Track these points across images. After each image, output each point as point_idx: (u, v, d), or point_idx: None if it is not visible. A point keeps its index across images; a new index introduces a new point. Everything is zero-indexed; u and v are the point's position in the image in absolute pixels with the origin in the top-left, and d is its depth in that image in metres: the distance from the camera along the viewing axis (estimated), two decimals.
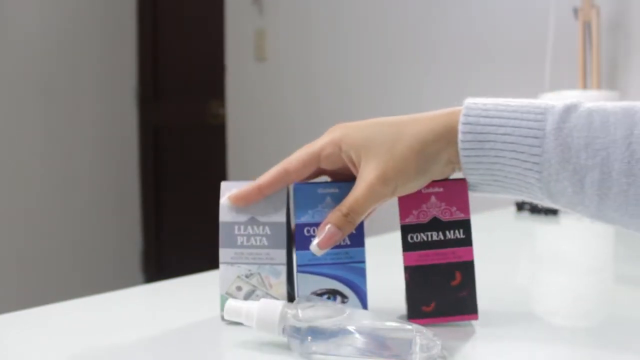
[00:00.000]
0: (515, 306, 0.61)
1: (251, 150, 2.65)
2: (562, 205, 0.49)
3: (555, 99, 0.50)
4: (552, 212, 1.24)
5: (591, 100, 0.50)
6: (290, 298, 0.54)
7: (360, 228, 0.53)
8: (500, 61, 1.89)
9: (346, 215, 0.50)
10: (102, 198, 3.10)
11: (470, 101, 0.51)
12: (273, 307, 0.47)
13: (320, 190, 0.53)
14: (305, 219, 0.52)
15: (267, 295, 0.52)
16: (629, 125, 0.46)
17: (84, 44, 3.01)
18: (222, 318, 0.52)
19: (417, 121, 0.51)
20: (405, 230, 0.52)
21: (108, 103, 3.12)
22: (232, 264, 0.52)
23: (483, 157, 0.49)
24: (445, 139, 0.50)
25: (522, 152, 0.48)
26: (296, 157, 0.53)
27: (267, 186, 0.52)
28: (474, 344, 0.49)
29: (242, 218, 0.52)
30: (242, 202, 0.53)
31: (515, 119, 0.49)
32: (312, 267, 0.52)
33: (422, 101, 2.01)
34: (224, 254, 0.52)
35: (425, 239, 0.52)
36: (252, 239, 0.52)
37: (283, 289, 0.52)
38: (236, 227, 0.52)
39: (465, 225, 0.52)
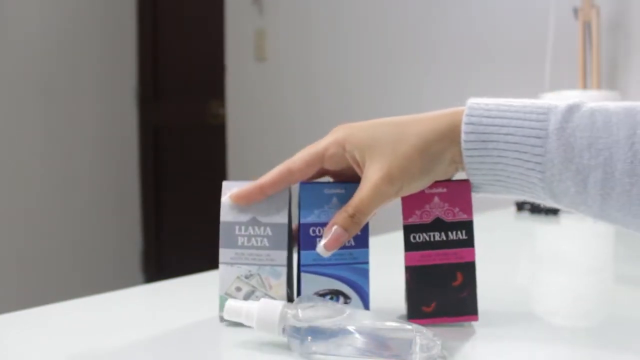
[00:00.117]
0: (515, 306, 0.61)
1: (251, 150, 2.65)
2: (565, 205, 0.49)
3: (557, 99, 0.50)
4: (552, 212, 1.24)
5: (592, 100, 0.50)
6: (290, 300, 0.54)
7: (365, 229, 0.53)
8: (500, 61, 1.89)
9: (352, 216, 0.49)
10: (102, 198, 3.10)
11: (472, 101, 0.51)
12: (273, 307, 0.47)
13: (327, 191, 0.53)
14: (311, 218, 0.52)
15: (267, 296, 0.52)
16: (631, 125, 0.46)
17: (84, 44, 3.01)
18: (221, 319, 0.52)
19: (420, 121, 0.51)
20: (408, 230, 0.52)
21: (108, 103, 3.12)
22: (232, 264, 0.52)
23: (486, 157, 0.49)
24: (448, 139, 0.50)
25: (525, 152, 0.48)
26: (300, 157, 0.52)
27: (269, 186, 0.52)
28: (474, 344, 0.49)
29: (243, 218, 0.52)
30: (244, 201, 0.52)
31: (517, 119, 0.49)
32: (316, 267, 0.52)
33: (422, 101, 2.01)
34: (224, 254, 0.52)
35: (427, 239, 0.52)
36: (253, 239, 0.52)
37: (283, 291, 0.52)
38: (237, 228, 0.52)
39: (468, 226, 0.52)
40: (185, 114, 3.12)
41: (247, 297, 0.52)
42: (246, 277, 0.52)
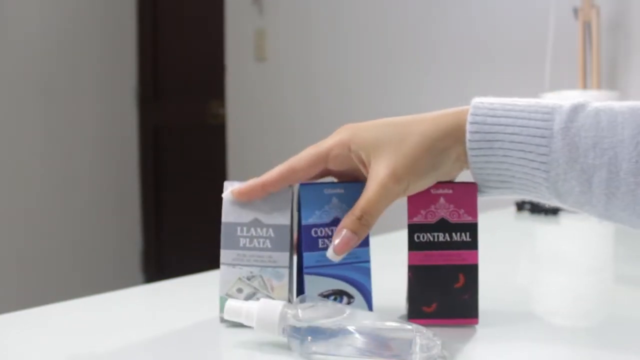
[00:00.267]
0: (515, 306, 0.61)
1: (251, 150, 2.65)
2: (570, 204, 0.49)
3: (561, 99, 0.50)
4: (552, 212, 1.24)
5: (594, 100, 0.50)
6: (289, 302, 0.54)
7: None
8: (500, 61, 1.89)
9: (360, 218, 0.49)
10: (102, 198, 3.10)
11: (477, 100, 0.51)
12: (273, 307, 0.47)
13: (327, 191, 0.52)
14: (312, 220, 0.52)
15: (269, 298, 0.52)
16: (637, 124, 0.46)
17: (84, 44, 3.01)
18: (222, 320, 0.52)
19: (424, 120, 0.51)
20: (412, 229, 0.52)
21: (108, 103, 3.12)
22: (233, 265, 0.52)
23: (491, 156, 0.49)
24: (453, 137, 0.50)
25: (530, 152, 0.48)
26: (303, 156, 0.52)
27: (271, 183, 0.52)
28: (474, 344, 0.49)
29: (245, 219, 0.52)
30: (245, 197, 0.52)
31: (522, 118, 0.49)
32: (319, 268, 0.52)
33: (422, 101, 2.01)
34: (225, 255, 0.52)
35: (431, 239, 0.52)
36: (255, 240, 0.52)
37: (285, 292, 0.52)
38: (239, 229, 0.52)
39: (472, 228, 0.52)
40: (185, 114, 3.12)
41: (248, 299, 0.52)
42: (248, 279, 0.52)
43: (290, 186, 0.53)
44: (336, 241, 0.49)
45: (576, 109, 0.48)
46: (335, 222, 0.52)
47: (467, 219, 0.52)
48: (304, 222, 0.52)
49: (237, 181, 0.53)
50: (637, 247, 0.98)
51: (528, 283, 0.77)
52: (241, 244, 0.52)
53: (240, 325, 0.48)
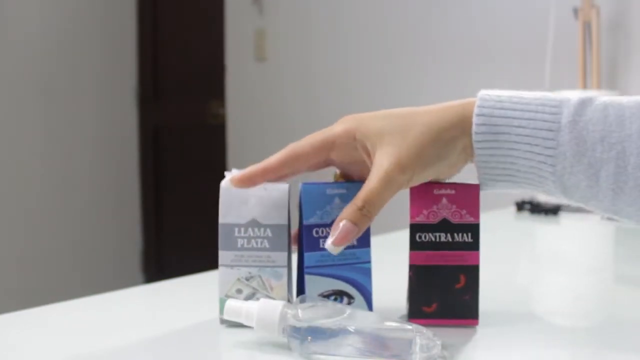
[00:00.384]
0: (516, 306, 0.61)
1: (251, 150, 2.65)
2: (576, 199, 0.49)
3: (570, 93, 0.50)
4: (552, 212, 1.24)
5: (600, 94, 0.50)
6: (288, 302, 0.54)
7: (366, 229, 0.52)
8: (500, 61, 1.89)
9: (361, 208, 0.47)
10: (102, 198, 3.10)
11: (484, 92, 0.50)
12: (273, 307, 0.47)
13: (329, 191, 0.52)
14: (313, 220, 0.52)
15: (268, 298, 0.52)
16: None
17: (84, 44, 3.01)
18: (222, 321, 0.52)
19: (430, 111, 0.50)
20: (414, 229, 0.52)
21: (108, 103, 3.12)
22: (232, 266, 0.52)
23: (497, 149, 0.49)
24: (459, 128, 0.49)
25: (537, 145, 0.48)
26: (307, 142, 0.51)
27: (272, 170, 0.51)
28: (474, 344, 0.49)
29: (243, 220, 0.52)
30: (246, 184, 0.51)
31: (530, 111, 0.48)
32: (320, 268, 0.52)
33: (422, 101, 2.00)
34: (223, 256, 0.52)
35: (433, 239, 0.52)
36: (253, 241, 0.52)
37: (284, 292, 0.52)
38: (236, 229, 0.52)
39: (474, 229, 0.52)
40: (185, 114, 3.12)
41: (248, 299, 0.52)
42: (247, 279, 0.52)
43: (288, 185, 0.53)
44: (335, 232, 0.47)
45: (584, 103, 0.48)
46: None
47: (469, 219, 0.52)
48: (305, 222, 0.52)
49: (237, 169, 0.53)
50: (637, 247, 0.98)
51: (528, 283, 0.77)
52: (239, 245, 0.52)
53: (240, 325, 0.48)
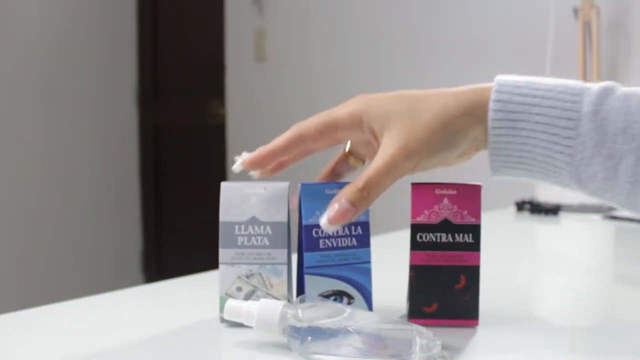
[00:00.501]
0: (515, 306, 0.61)
1: (251, 150, 2.65)
2: (591, 191, 0.48)
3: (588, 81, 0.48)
4: (552, 212, 1.24)
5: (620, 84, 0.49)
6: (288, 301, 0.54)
7: (366, 229, 0.52)
8: (500, 61, 1.89)
9: (362, 189, 0.46)
10: (102, 198, 3.10)
11: (501, 78, 0.48)
12: (273, 307, 0.47)
13: (328, 191, 0.52)
14: (312, 220, 0.52)
15: (268, 295, 0.52)
16: None
17: (84, 44, 3.01)
18: (222, 320, 0.52)
19: (443, 95, 0.48)
20: (415, 229, 0.52)
21: (108, 103, 3.12)
22: (232, 264, 0.52)
23: (514, 137, 0.47)
24: (473, 115, 0.47)
25: (555, 134, 0.46)
26: (312, 123, 0.50)
27: (280, 150, 0.50)
28: (474, 344, 0.49)
29: (243, 218, 0.52)
30: (256, 166, 0.51)
31: (549, 98, 0.47)
32: (320, 268, 0.52)
33: None
34: (224, 254, 0.52)
35: (434, 239, 0.52)
36: (253, 238, 0.52)
37: (284, 289, 0.52)
38: (236, 227, 0.52)
39: (475, 230, 0.52)
40: (185, 114, 3.12)
41: (248, 297, 0.52)
42: (247, 277, 0.52)
43: (287, 183, 0.53)
44: (332, 211, 0.46)
45: (605, 92, 0.46)
46: None
47: (471, 220, 0.52)
48: (304, 222, 0.52)
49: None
50: (637, 247, 0.98)
51: (528, 283, 0.77)
52: (239, 243, 0.52)
53: (240, 325, 0.48)
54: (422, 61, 2.09)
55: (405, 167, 0.46)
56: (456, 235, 0.52)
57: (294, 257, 0.55)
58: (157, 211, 3.27)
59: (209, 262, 0.78)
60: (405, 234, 0.52)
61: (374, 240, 0.55)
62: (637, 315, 0.60)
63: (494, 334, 0.51)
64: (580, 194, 0.49)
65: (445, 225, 0.52)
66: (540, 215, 1.26)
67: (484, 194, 0.53)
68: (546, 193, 1.29)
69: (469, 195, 0.52)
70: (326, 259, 0.51)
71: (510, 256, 0.93)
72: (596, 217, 1.18)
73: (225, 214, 0.52)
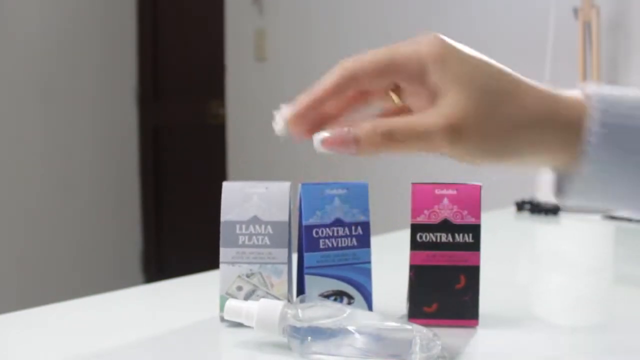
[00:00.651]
0: (516, 306, 0.61)
1: (251, 150, 2.65)
2: None
3: None
4: (552, 212, 1.24)
5: None
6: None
7: (366, 229, 0.52)
8: (501, 61, 1.88)
9: (379, 133, 0.37)
10: (102, 198, 3.10)
11: (602, 93, 0.39)
12: (273, 307, 0.47)
13: (328, 191, 0.52)
14: (313, 220, 0.52)
15: (268, 295, 0.52)
16: None
17: (84, 44, 3.01)
18: (222, 319, 0.52)
19: (536, 95, 0.39)
20: (415, 229, 0.52)
21: (108, 103, 3.12)
22: (233, 263, 0.52)
23: (621, 164, 0.38)
24: (561, 137, 0.38)
25: None
26: (370, 61, 0.40)
27: (329, 92, 0.40)
28: (475, 344, 0.49)
29: (244, 217, 0.52)
30: (303, 120, 0.41)
31: None
32: (320, 268, 0.52)
33: None
34: (224, 253, 0.52)
35: (434, 239, 0.52)
36: (254, 238, 0.52)
37: (285, 289, 0.52)
38: (237, 226, 0.52)
39: (475, 230, 0.52)
40: (185, 114, 3.12)
41: (248, 296, 0.52)
42: (247, 276, 0.52)
43: (289, 183, 0.53)
44: (333, 135, 0.39)
45: None
46: (337, 223, 0.52)
47: (470, 220, 0.52)
48: (304, 223, 0.52)
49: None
50: (637, 247, 0.98)
51: (528, 283, 0.77)
52: (240, 242, 0.52)
53: (240, 325, 0.48)
54: None
55: (439, 148, 0.38)
56: (456, 235, 0.52)
57: (295, 257, 0.55)
58: (157, 211, 3.27)
59: (209, 262, 0.78)
60: (405, 234, 0.52)
61: (374, 240, 0.55)
62: (637, 315, 0.60)
63: (494, 334, 0.51)
64: None
65: (445, 225, 0.52)
66: (540, 215, 1.25)
67: (484, 194, 0.53)
68: (546, 193, 1.29)
69: (469, 195, 0.52)
70: (326, 259, 0.51)
71: (510, 256, 0.93)
72: (596, 217, 1.18)
73: (227, 213, 0.52)
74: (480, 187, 0.52)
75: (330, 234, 0.52)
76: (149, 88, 3.23)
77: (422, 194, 0.51)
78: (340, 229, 0.52)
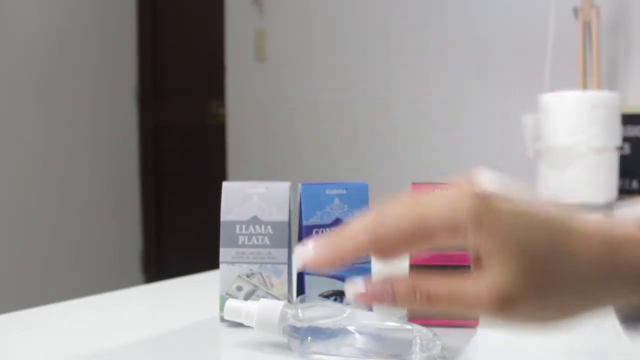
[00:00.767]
0: None
1: (251, 150, 2.65)
2: None
3: None
4: None
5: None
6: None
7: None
8: (501, 61, 1.89)
9: (419, 298, 0.35)
10: (102, 198, 3.10)
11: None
12: (273, 307, 0.47)
13: (328, 192, 0.52)
14: (313, 220, 0.52)
15: (268, 295, 0.52)
16: None
17: (84, 44, 3.01)
18: (222, 319, 0.52)
19: (594, 244, 0.34)
20: None
21: (108, 103, 3.12)
22: (233, 263, 0.52)
23: None
24: (631, 284, 0.35)
25: None
26: (397, 228, 0.34)
27: (352, 254, 0.35)
28: (474, 344, 0.49)
29: (244, 217, 0.52)
30: (324, 267, 0.35)
31: None
32: None
33: (422, 101, 2.01)
34: (224, 253, 0.52)
35: None
36: (254, 238, 0.52)
37: (285, 289, 0.52)
38: (237, 227, 0.52)
39: None
40: (185, 114, 3.12)
41: (248, 296, 0.52)
42: (247, 276, 0.52)
43: (289, 183, 0.53)
44: (368, 290, 0.35)
45: None
46: (337, 222, 0.52)
47: None
48: (304, 223, 0.52)
49: (235, 182, 0.47)
50: None
51: None
52: (240, 242, 0.52)
53: (240, 325, 0.48)
54: (422, 61, 2.09)
55: (487, 316, 0.35)
56: None
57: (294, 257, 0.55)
58: (157, 211, 3.27)
59: (209, 262, 0.78)
60: None
61: None
62: None
63: (494, 334, 0.51)
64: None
65: None
66: None
67: None
68: (546, 193, 1.29)
69: None
70: None
71: None
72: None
73: (227, 213, 0.52)
74: None
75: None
76: (149, 88, 3.23)
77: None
78: None
